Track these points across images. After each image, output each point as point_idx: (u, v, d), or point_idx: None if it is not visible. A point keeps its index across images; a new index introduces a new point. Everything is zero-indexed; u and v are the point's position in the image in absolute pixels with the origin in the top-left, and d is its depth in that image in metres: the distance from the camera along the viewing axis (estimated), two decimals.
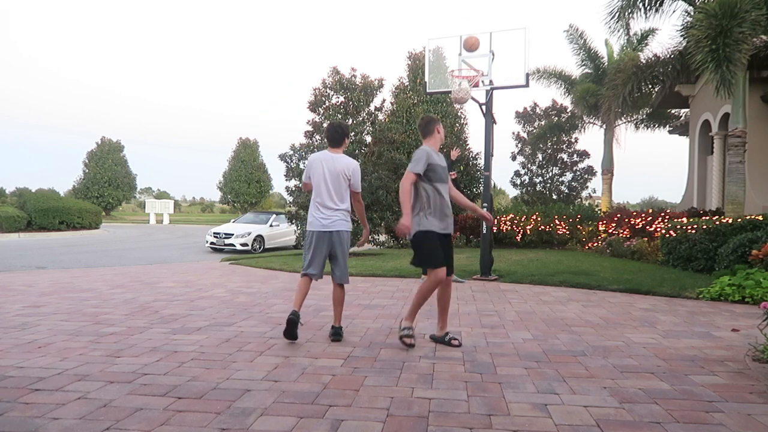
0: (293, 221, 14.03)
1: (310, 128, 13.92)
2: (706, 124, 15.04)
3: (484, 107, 8.69)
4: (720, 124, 13.62)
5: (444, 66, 10.10)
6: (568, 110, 25.00)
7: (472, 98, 8.71)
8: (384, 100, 14.98)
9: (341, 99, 13.95)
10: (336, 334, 4.50)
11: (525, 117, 27.16)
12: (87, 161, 49.89)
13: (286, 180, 13.82)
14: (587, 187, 26.96)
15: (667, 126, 21.82)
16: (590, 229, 14.67)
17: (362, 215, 4.78)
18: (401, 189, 4.18)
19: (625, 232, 13.24)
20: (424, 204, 4.24)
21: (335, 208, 4.47)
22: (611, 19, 11.59)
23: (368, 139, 14.28)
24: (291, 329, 4.30)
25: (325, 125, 13.89)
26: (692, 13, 10.30)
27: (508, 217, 15.65)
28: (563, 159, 26.58)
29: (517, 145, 27.62)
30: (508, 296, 6.96)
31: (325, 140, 4.78)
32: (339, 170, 4.49)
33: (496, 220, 15.06)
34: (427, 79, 9.66)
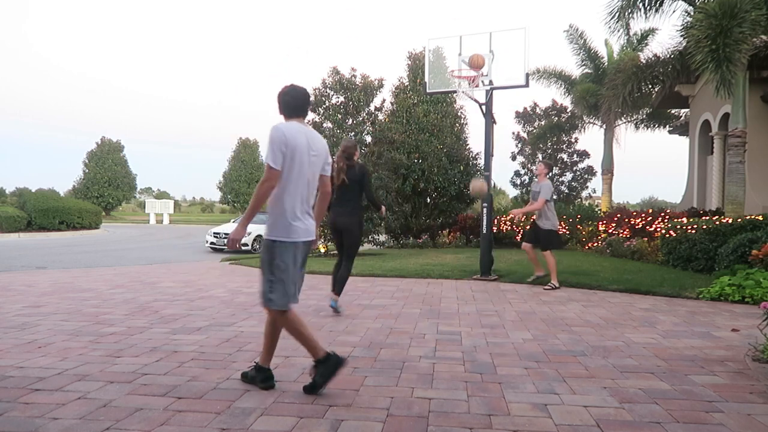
0: None
1: None
2: (706, 124, 15.03)
3: (484, 107, 8.69)
4: (720, 124, 13.62)
5: (444, 66, 10.09)
6: (568, 110, 25.01)
7: (473, 98, 8.72)
8: (384, 100, 15.01)
9: (341, 99, 13.95)
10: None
11: (525, 117, 27.18)
12: (87, 161, 50.02)
13: None
14: (587, 187, 26.99)
15: (667, 126, 21.82)
16: (590, 229, 14.67)
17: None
18: None
19: (625, 232, 13.23)
20: None
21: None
22: (611, 19, 11.59)
23: (368, 139, 14.28)
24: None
25: (325, 125, 13.89)
26: (692, 13, 10.29)
27: (508, 217, 15.63)
28: (563, 159, 26.60)
29: (517, 145, 27.65)
30: (508, 296, 6.96)
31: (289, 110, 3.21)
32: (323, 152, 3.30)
33: (496, 220, 15.05)
34: (427, 79, 9.67)
